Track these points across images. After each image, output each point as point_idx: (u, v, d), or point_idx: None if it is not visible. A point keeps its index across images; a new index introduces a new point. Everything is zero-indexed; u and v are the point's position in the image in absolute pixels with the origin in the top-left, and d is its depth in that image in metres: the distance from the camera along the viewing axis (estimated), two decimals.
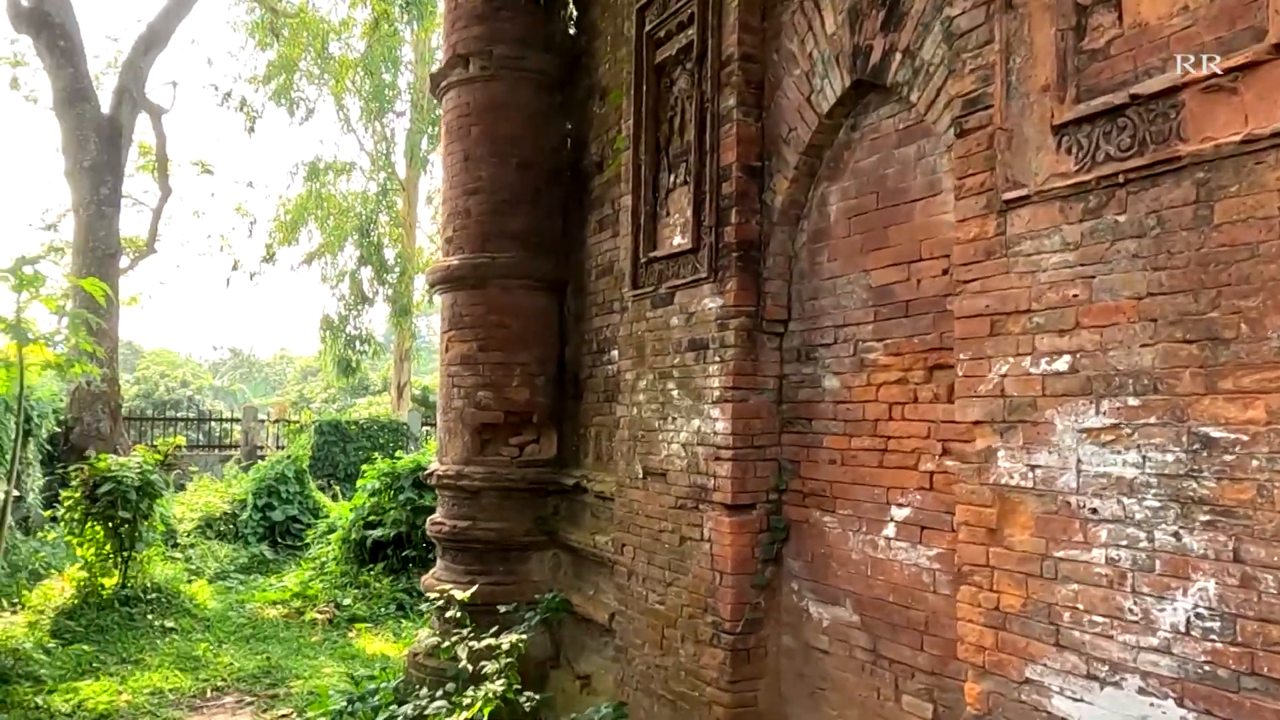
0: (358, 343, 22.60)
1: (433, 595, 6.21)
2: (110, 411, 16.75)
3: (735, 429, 4.22)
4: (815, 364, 4.14)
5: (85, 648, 8.19)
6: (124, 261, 19.45)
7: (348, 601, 10.39)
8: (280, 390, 50.42)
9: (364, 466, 12.08)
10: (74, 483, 9.86)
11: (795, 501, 4.21)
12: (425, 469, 11.57)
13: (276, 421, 21.94)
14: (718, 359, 4.33)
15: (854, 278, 3.95)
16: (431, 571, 6.55)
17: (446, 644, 5.13)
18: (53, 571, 10.44)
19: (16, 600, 9.15)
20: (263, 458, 19.28)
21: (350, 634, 9.69)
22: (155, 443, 10.90)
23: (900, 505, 3.65)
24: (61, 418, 15.28)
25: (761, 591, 4.23)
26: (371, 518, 11.34)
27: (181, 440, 18.63)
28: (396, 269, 24.62)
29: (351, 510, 11.61)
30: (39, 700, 6.95)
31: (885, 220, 3.81)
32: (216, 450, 20.88)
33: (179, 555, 12.07)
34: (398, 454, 18.55)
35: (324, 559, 11.97)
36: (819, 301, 4.15)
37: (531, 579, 6.22)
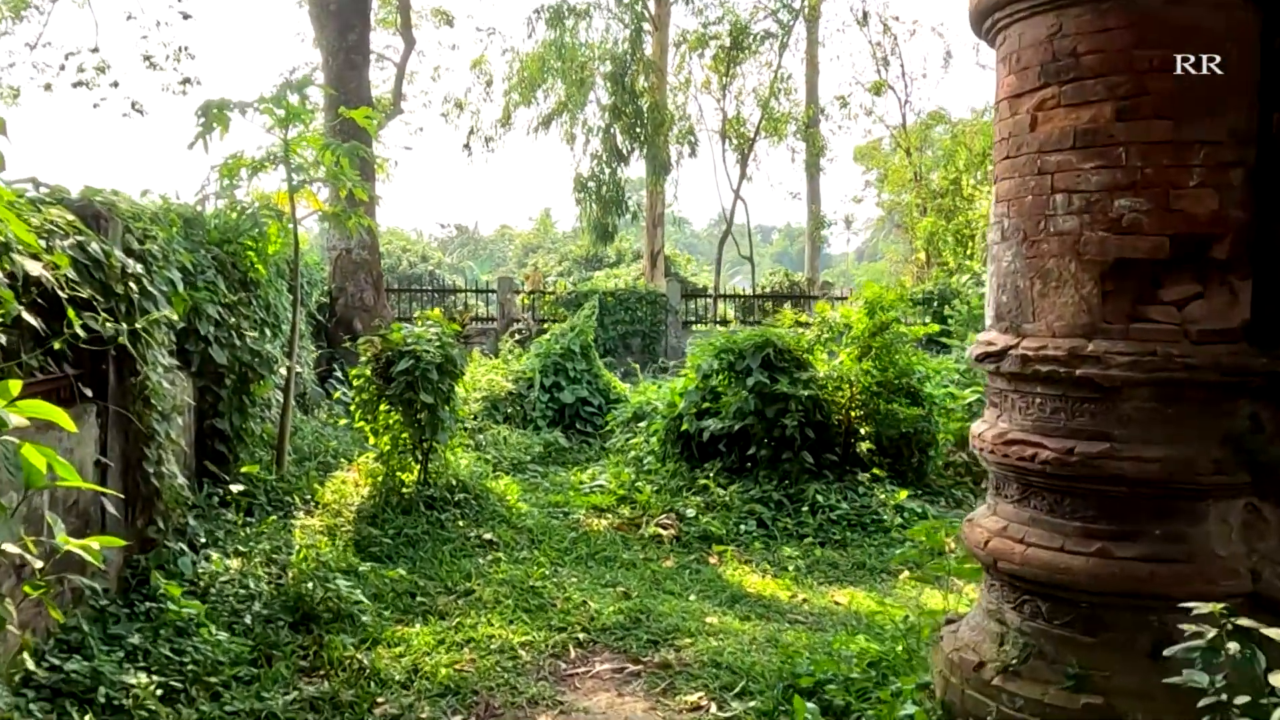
0: (615, 205, 20.18)
1: (1014, 566, 3.49)
2: (373, 281, 15.37)
3: None
4: None
5: (401, 572, 6.26)
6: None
7: (690, 513, 8.07)
8: (503, 268, 50.35)
9: (693, 341, 9.62)
10: (363, 359, 7.99)
11: None
12: (776, 346, 8.95)
13: (532, 294, 20.25)
14: None
15: None
16: (995, 521, 3.78)
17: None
18: (341, 461, 8.81)
19: (309, 497, 7.44)
20: (520, 331, 17.61)
21: (710, 559, 7.36)
22: (453, 314, 8.76)
23: None
24: (326, 288, 13.99)
25: None
26: (706, 405, 8.88)
27: (438, 314, 17.18)
28: (649, 123, 21.88)
29: (682, 395, 9.19)
30: (362, 658, 4.98)
31: None
32: (475, 323, 19.49)
33: (469, 442, 10.26)
34: (690, 329, 16.26)
35: (638, 453, 9.77)
36: None
37: (1212, 551, 3.33)
